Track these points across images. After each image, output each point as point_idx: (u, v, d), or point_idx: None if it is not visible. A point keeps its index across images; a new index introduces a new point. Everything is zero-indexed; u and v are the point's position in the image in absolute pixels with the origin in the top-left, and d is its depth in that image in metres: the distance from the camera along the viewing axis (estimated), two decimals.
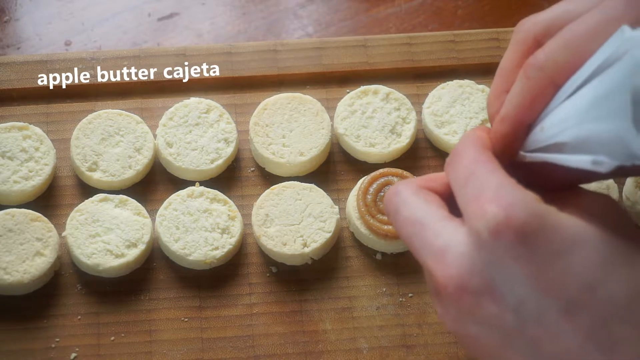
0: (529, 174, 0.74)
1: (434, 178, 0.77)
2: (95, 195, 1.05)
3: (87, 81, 1.12)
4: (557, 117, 0.71)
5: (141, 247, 1.03)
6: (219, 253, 1.03)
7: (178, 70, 1.14)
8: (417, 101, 1.13)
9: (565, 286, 0.67)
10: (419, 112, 1.13)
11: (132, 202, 1.05)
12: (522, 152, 0.75)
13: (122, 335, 1.01)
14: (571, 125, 0.68)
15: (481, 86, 1.13)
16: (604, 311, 0.67)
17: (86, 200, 1.05)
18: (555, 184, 0.74)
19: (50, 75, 1.12)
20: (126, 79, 1.13)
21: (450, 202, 0.74)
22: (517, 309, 0.68)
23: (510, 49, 0.78)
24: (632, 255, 0.68)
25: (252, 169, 1.10)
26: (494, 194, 0.68)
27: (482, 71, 1.15)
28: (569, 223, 0.68)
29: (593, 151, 0.66)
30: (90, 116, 1.09)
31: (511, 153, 0.76)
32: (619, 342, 0.66)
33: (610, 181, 1.08)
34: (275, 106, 1.10)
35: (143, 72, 1.13)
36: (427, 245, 0.72)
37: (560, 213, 0.68)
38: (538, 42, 0.76)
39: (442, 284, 0.71)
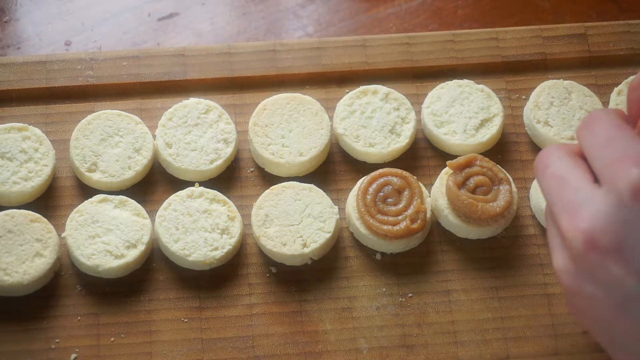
0: None
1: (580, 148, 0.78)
2: (95, 196, 1.05)
3: (87, 82, 1.12)
4: None
5: (141, 247, 1.03)
6: (218, 253, 1.03)
7: (177, 70, 1.14)
8: (417, 101, 1.13)
9: None
10: (418, 112, 1.13)
11: (132, 203, 1.05)
12: None
13: (122, 336, 1.01)
14: None
15: (480, 86, 1.13)
16: None
17: (86, 201, 1.05)
18: None
19: (50, 76, 1.12)
20: (125, 79, 1.13)
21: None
22: None
23: None
24: None
25: (251, 169, 1.10)
26: (638, 157, 0.69)
27: (481, 71, 1.15)
28: None
29: None
30: (89, 117, 1.09)
31: None
32: None
33: None
34: (275, 106, 1.10)
35: (142, 72, 1.13)
36: (564, 199, 0.73)
37: None
38: None
39: (570, 237, 0.72)
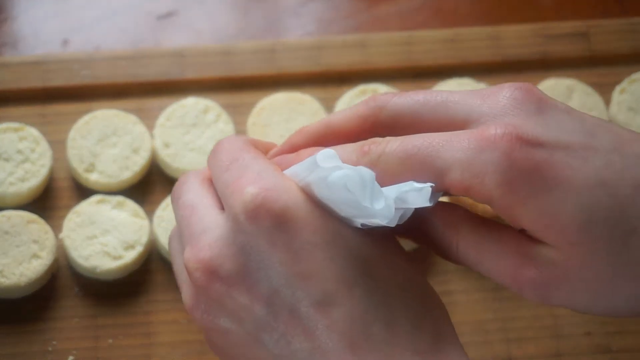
0: None
1: None
2: (92, 197, 1.04)
3: (84, 81, 1.12)
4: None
5: (139, 248, 1.02)
6: None
7: (175, 70, 1.13)
8: None
9: (322, 278, 0.64)
10: None
11: (130, 204, 1.04)
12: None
13: (120, 337, 1.01)
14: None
15: (481, 84, 1.12)
16: (360, 308, 0.64)
17: (83, 202, 1.04)
18: None
19: (46, 76, 1.12)
20: (123, 79, 1.12)
21: None
22: (270, 298, 0.65)
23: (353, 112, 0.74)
24: (390, 255, 0.68)
25: None
26: (256, 176, 0.66)
27: (482, 70, 1.15)
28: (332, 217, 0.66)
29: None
30: (86, 117, 1.08)
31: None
32: (371, 340, 0.64)
33: None
34: (274, 106, 1.10)
35: (140, 72, 1.13)
36: (190, 229, 0.69)
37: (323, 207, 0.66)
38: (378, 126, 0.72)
39: (191, 269, 0.68)
